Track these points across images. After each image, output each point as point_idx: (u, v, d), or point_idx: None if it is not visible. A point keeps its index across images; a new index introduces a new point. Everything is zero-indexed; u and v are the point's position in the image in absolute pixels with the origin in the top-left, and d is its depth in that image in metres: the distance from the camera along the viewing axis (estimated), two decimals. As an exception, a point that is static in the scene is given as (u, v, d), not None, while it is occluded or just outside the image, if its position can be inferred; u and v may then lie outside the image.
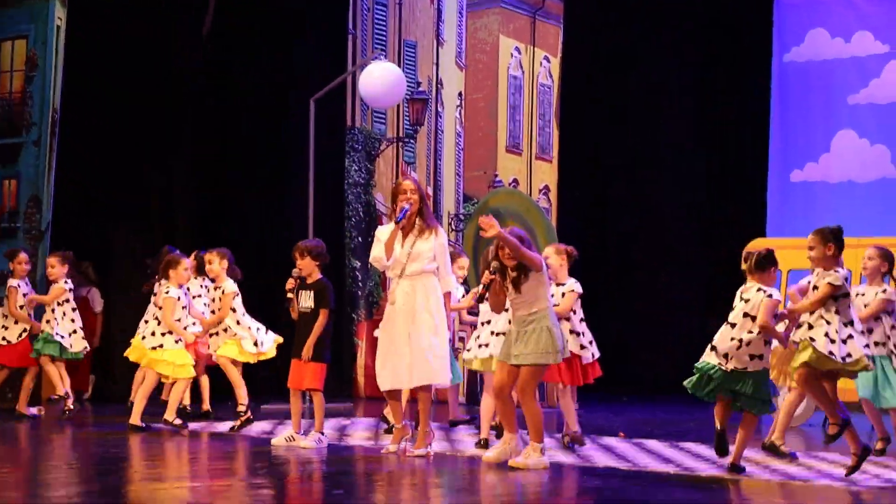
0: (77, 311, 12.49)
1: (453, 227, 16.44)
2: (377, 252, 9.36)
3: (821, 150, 16.96)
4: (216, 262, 11.46)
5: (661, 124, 18.09)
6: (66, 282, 12.34)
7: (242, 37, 15.36)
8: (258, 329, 11.41)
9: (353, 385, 15.80)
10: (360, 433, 11.07)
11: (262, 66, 15.48)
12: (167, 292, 11.07)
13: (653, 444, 10.46)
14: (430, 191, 16.27)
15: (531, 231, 16.18)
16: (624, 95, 18.15)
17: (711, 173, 17.91)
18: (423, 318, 9.22)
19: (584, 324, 9.80)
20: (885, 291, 9.60)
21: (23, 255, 12.50)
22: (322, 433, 9.91)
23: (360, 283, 15.52)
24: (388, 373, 9.32)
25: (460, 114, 16.80)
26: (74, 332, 12.38)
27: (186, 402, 12.05)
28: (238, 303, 11.37)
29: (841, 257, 8.49)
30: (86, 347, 12.56)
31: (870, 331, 9.50)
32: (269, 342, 11.47)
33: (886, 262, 9.68)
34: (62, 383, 12.18)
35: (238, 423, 10.97)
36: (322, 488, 7.96)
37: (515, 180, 16.96)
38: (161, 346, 11.06)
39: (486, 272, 8.77)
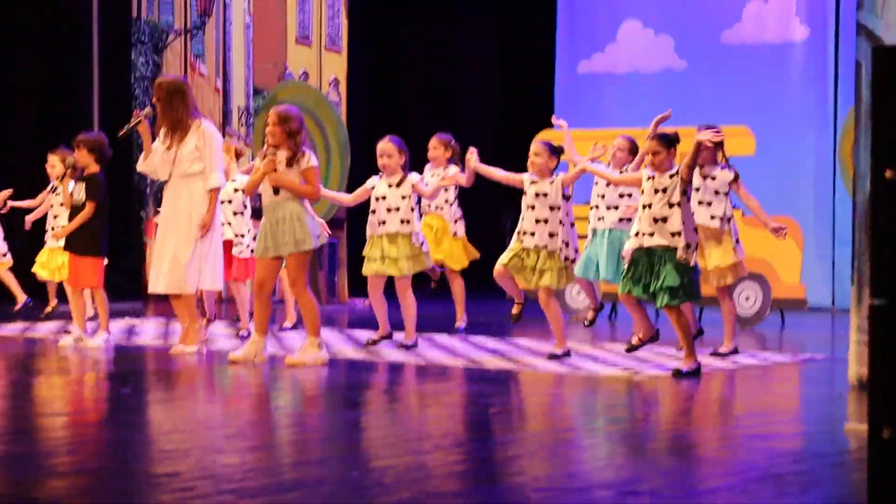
0: None
1: (243, 122, 16.22)
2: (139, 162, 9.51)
3: (606, 40, 17.18)
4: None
5: (454, 18, 18.09)
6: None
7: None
8: None
9: (142, 284, 15.55)
10: (148, 332, 10.94)
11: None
12: None
13: (443, 337, 10.59)
14: (219, 83, 16.00)
15: (321, 124, 16.08)
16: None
17: (502, 66, 17.99)
18: (180, 224, 9.14)
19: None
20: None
21: None
22: (108, 331, 9.77)
23: (147, 181, 15.20)
24: (151, 276, 9.36)
25: (249, 4, 16.48)
26: None
27: None
28: None
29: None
30: None
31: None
32: None
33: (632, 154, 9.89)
34: None
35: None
36: (109, 386, 7.89)
37: (305, 73, 16.77)
38: None
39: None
